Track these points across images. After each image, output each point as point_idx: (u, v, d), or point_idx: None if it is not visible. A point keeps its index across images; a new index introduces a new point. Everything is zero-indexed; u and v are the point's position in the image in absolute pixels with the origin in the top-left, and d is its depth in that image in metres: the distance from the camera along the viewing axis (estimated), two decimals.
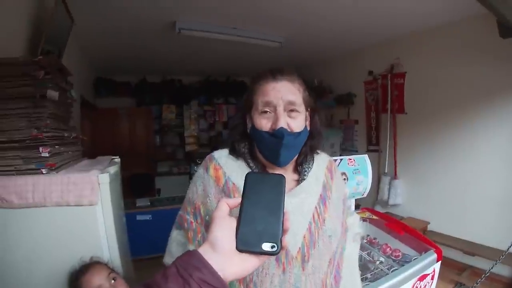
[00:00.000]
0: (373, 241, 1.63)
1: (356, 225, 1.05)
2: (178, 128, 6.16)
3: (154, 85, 5.84)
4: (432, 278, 1.48)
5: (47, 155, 1.18)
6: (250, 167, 0.83)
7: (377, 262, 1.44)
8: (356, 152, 4.54)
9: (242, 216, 0.48)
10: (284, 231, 0.47)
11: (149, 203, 3.81)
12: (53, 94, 1.22)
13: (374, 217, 1.78)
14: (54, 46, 1.95)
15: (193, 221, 0.81)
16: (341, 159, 1.59)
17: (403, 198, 3.82)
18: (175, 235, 0.86)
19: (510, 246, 2.12)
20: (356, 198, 1.73)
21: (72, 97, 1.59)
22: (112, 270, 1.15)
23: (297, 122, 0.79)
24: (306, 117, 0.83)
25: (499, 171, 2.89)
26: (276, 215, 0.48)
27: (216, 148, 0.91)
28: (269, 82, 0.79)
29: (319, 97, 4.86)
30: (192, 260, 0.44)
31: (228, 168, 0.83)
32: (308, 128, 0.85)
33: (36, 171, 1.18)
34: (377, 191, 4.01)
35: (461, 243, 3.06)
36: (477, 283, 2.05)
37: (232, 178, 0.81)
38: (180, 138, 6.22)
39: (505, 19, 2.17)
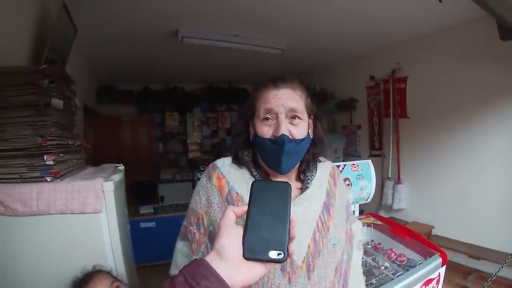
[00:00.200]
0: (378, 246, 1.62)
1: (359, 232, 1.04)
2: (181, 135, 6.18)
3: (156, 93, 5.89)
4: (438, 283, 1.47)
5: (52, 163, 1.18)
6: (253, 175, 0.83)
7: (382, 268, 1.43)
8: (359, 157, 4.53)
9: (249, 224, 0.48)
10: (290, 239, 0.47)
11: (152, 211, 3.82)
12: (57, 102, 1.23)
13: (379, 222, 1.78)
14: (57, 55, 1.96)
15: (196, 232, 0.80)
16: (344, 165, 1.59)
17: (407, 202, 3.79)
18: (180, 246, 0.84)
19: None
20: (360, 203, 1.73)
21: (76, 105, 1.61)
22: (115, 279, 1.15)
23: (299, 129, 0.78)
24: (309, 124, 0.83)
25: (501, 174, 2.88)
26: (282, 223, 0.48)
27: (219, 156, 0.91)
28: (271, 90, 0.79)
29: (321, 103, 4.87)
30: (199, 269, 0.44)
31: (232, 177, 0.83)
32: (311, 136, 0.84)
33: (40, 179, 1.18)
34: (381, 196, 3.98)
35: (466, 247, 3.03)
36: (483, 287, 2.03)
37: (235, 188, 0.81)
38: (183, 145, 6.23)
39: (503, 19, 2.16)
